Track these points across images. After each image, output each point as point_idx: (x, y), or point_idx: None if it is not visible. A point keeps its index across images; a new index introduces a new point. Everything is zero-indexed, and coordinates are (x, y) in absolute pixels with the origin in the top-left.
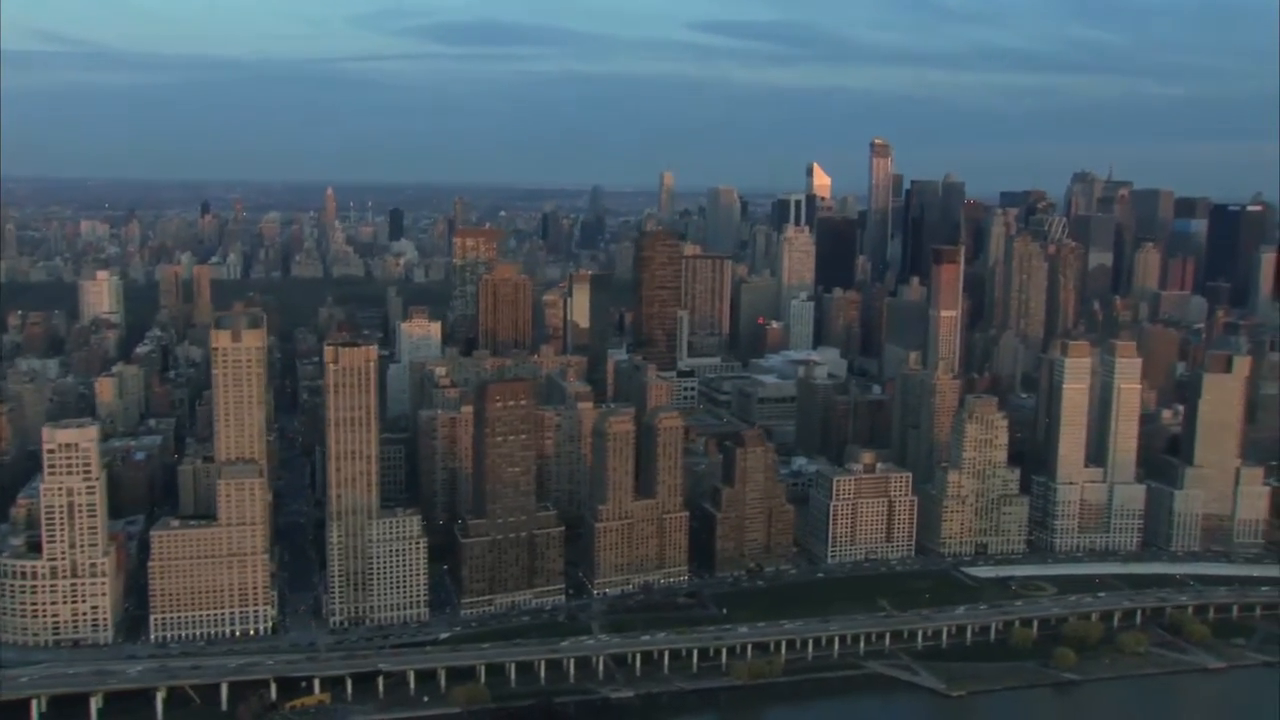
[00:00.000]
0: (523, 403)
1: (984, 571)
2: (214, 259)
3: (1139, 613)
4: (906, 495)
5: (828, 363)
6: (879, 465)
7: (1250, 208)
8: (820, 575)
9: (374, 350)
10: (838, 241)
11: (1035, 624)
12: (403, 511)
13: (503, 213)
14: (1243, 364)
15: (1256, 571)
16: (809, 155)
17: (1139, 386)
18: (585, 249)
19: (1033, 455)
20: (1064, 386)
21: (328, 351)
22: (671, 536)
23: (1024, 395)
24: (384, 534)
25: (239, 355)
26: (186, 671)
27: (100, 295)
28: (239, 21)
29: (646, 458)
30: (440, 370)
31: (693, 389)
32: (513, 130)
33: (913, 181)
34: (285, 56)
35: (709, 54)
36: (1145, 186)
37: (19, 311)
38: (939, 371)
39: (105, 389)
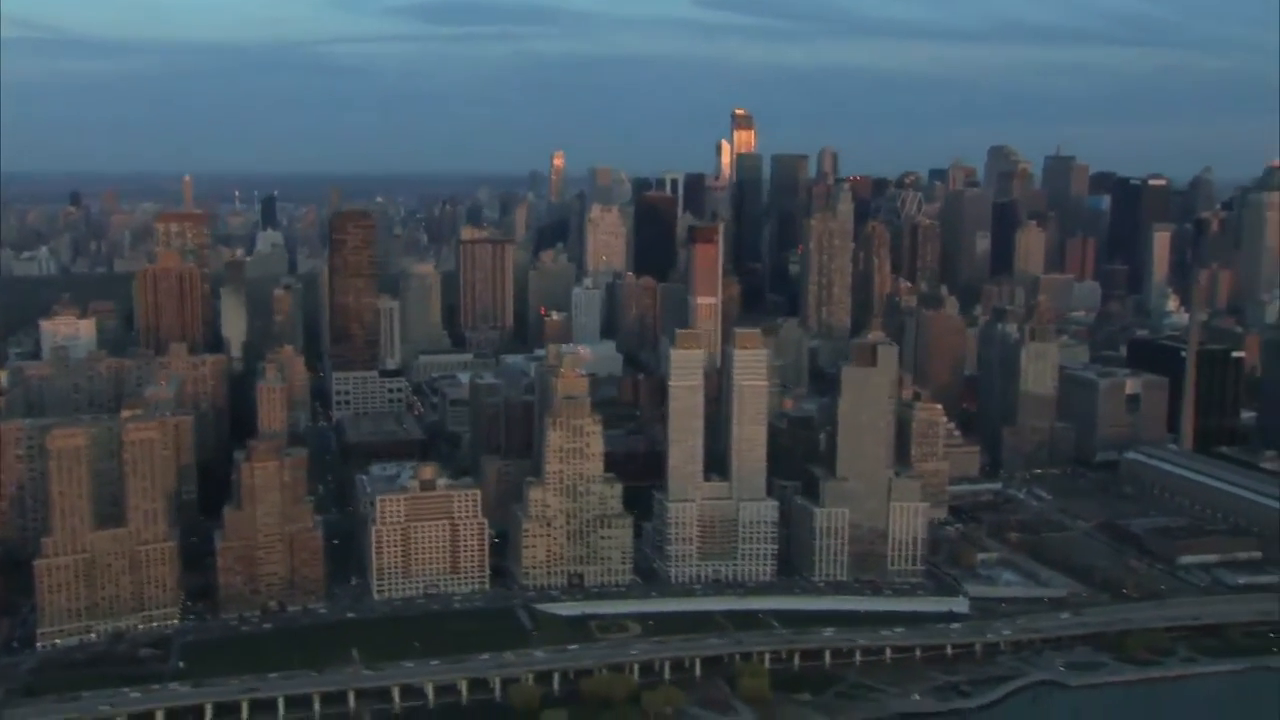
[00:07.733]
0: None
1: (563, 609)
2: (26, 254)
3: (696, 661)
4: (474, 517)
5: (599, 358)
6: (443, 481)
7: (1152, 181)
8: (351, 615)
9: None
10: (657, 223)
11: (557, 677)
12: None
13: (379, 199)
14: (889, 354)
15: (894, 606)
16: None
17: (765, 384)
18: None
19: None
20: (669, 384)
21: None
22: (153, 572)
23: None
24: None
25: None
26: None
27: None
28: (217, 5)
29: (121, 477)
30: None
31: (399, 391)
32: (503, 115)
33: (738, 155)
34: (263, 40)
35: (714, 32)
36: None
37: None
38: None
39: None
